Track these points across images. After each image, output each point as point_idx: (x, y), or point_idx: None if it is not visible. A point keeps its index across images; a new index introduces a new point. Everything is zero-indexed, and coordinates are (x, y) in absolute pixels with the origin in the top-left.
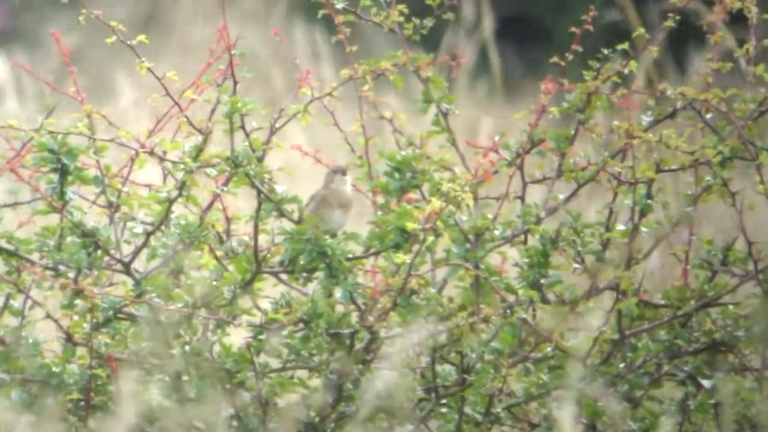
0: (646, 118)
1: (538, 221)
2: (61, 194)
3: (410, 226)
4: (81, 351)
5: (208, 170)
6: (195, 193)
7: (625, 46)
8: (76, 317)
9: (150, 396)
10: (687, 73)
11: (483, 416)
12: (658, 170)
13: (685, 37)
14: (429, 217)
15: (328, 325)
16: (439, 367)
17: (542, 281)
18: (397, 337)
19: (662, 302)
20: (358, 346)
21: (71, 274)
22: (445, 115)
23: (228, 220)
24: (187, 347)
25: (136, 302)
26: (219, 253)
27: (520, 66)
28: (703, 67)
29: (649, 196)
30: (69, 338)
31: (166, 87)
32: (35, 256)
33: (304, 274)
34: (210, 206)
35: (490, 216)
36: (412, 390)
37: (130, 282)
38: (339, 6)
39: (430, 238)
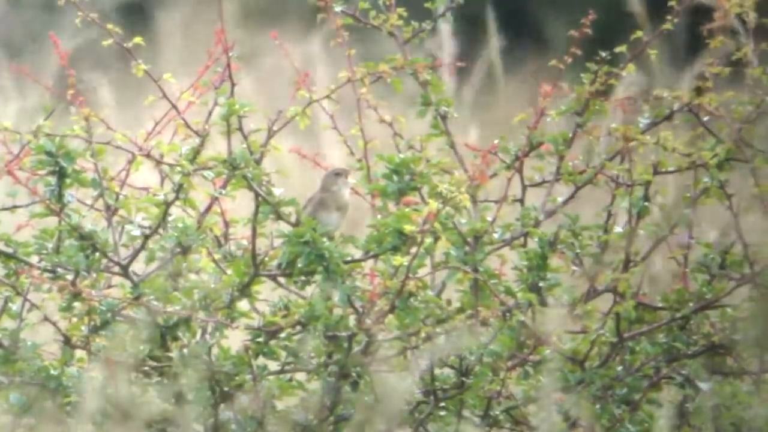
0: (643, 121)
1: (537, 224)
2: (59, 197)
3: (408, 228)
4: (79, 353)
5: (206, 173)
6: (192, 196)
7: (623, 48)
8: (74, 320)
9: (148, 399)
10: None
11: (481, 419)
12: (656, 172)
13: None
14: (427, 219)
15: (326, 327)
16: (437, 370)
17: (541, 284)
18: (395, 339)
19: (660, 305)
20: (356, 348)
21: (69, 277)
22: (444, 118)
23: (226, 223)
24: (185, 350)
25: (134, 305)
26: (217, 256)
27: None
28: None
29: (646, 198)
30: (67, 341)
31: (163, 89)
32: (33, 259)
33: (302, 277)
34: (208, 209)
35: (488, 219)
36: (411, 393)
37: (128, 285)
38: (337, 9)
39: (428, 241)
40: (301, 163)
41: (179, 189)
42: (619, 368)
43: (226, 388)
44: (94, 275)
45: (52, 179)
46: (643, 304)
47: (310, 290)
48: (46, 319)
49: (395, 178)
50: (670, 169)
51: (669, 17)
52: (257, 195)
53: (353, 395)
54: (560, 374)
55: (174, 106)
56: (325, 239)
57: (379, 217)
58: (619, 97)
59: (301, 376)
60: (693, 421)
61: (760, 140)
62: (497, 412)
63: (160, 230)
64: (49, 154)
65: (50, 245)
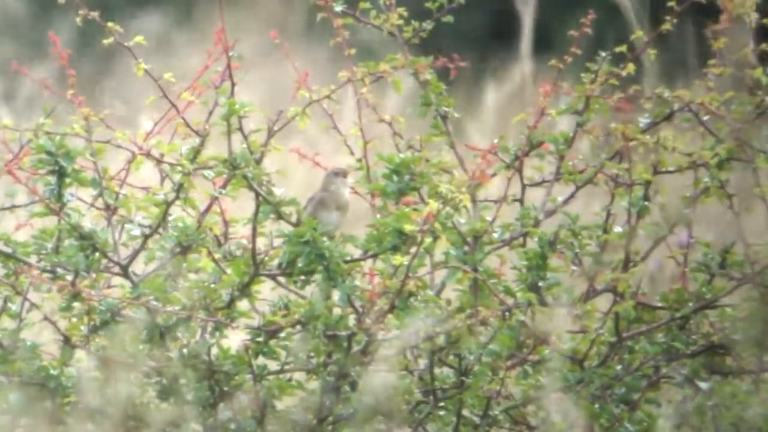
0: (644, 120)
1: (537, 224)
2: (59, 196)
3: (408, 228)
4: (79, 353)
5: (206, 172)
6: (193, 195)
7: (623, 48)
8: (73, 320)
9: (147, 399)
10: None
11: (481, 419)
12: (656, 172)
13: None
14: (427, 219)
15: (326, 327)
16: (437, 370)
17: (540, 284)
18: (394, 339)
19: (660, 305)
20: (356, 348)
21: (69, 277)
22: (444, 118)
23: (226, 222)
24: (184, 350)
25: (133, 305)
26: (217, 256)
27: None
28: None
29: (646, 198)
30: (67, 341)
31: (164, 89)
32: (33, 259)
33: (302, 277)
34: (208, 209)
35: (488, 218)
36: (410, 392)
37: (127, 285)
38: (338, 9)
39: (428, 240)
40: (302, 163)
41: (179, 188)
42: (619, 368)
43: (225, 388)
44: (94, 275)
45: (52, 178)
46: (642, 303)
47: (309, 290)
48: (45, 318)
49: (395, 178)
50: (671, 168)
51: (668, 18)
52: (257, 195)
53: (353, 395)
54: (559, 374)
55: (174, 106)
56: (325, 239)
57: (378, 216)
58: (618, 96)
59: (300, 376)
60: (692, 420)
61: (760, 140)
62: (496, 412)
63: (160, 230)
64: (49, 153)
65: (50, 245)
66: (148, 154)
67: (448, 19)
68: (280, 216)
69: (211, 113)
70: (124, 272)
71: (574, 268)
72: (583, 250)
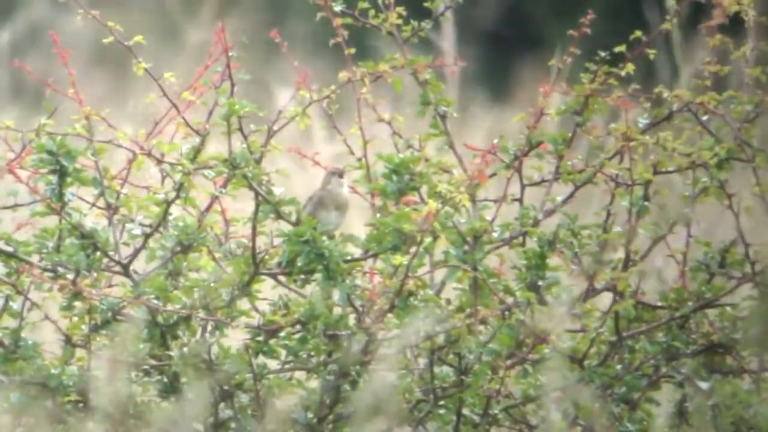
0: (643, 120)
1: (536, 223)
2: (60, 196)
3: (408, 227)
4: (80, 352)
5: (206, 172)
6: (193, 195)
7: (622, 48)
8: (75, 319)
9: (148, 397)
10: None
11: (481, 418)
12: (655, 172)
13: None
14: (426, 218)
15: (326, 326)
16: (437, 369)
17: (540, 283)
18: (394, 338)
19: (660, 304)
20: (356, 347)
21: (70, 276)
22: (443, 117)
23: (226, 222)
24: (185, 349)
25: (134, 304)
26: (217, 255)
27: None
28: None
29: (646, 197)
30: (68, 340)
31: (164, 88)
32: (34, 258)
33: (302, 276)
34: (208, 208)
35: (488, 218)
36: (410, 391)
37: (128, 283)
38: (337, 8)
39: (428, 240)
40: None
41: (180, 188)
42: (619, 367)
43: (225, 387)
44: (95, 274)
45: (53, 178)
46: (642, 302)
47: (309, 289)
48: (46, 318)
49: (395, 177)
50: (671, 169)
51: (668, 17)
52: (257, 194)
53: (353, 394)
54: (559, 373)
55: (174, 106)
56: (324, 238)
57: (378, 216)
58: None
59: (300, 375)
60: (692, 420)
61: (759, 139)
62: (496, 411)
63: (161, 229)
64: (50, 152)
65: (51, 244)
66: (149, 154)
67: (447, 17)
68: (279, 215)
69: (211, 113)
70: (125, 271)
71: (574, 267)
72: (582, 250)
